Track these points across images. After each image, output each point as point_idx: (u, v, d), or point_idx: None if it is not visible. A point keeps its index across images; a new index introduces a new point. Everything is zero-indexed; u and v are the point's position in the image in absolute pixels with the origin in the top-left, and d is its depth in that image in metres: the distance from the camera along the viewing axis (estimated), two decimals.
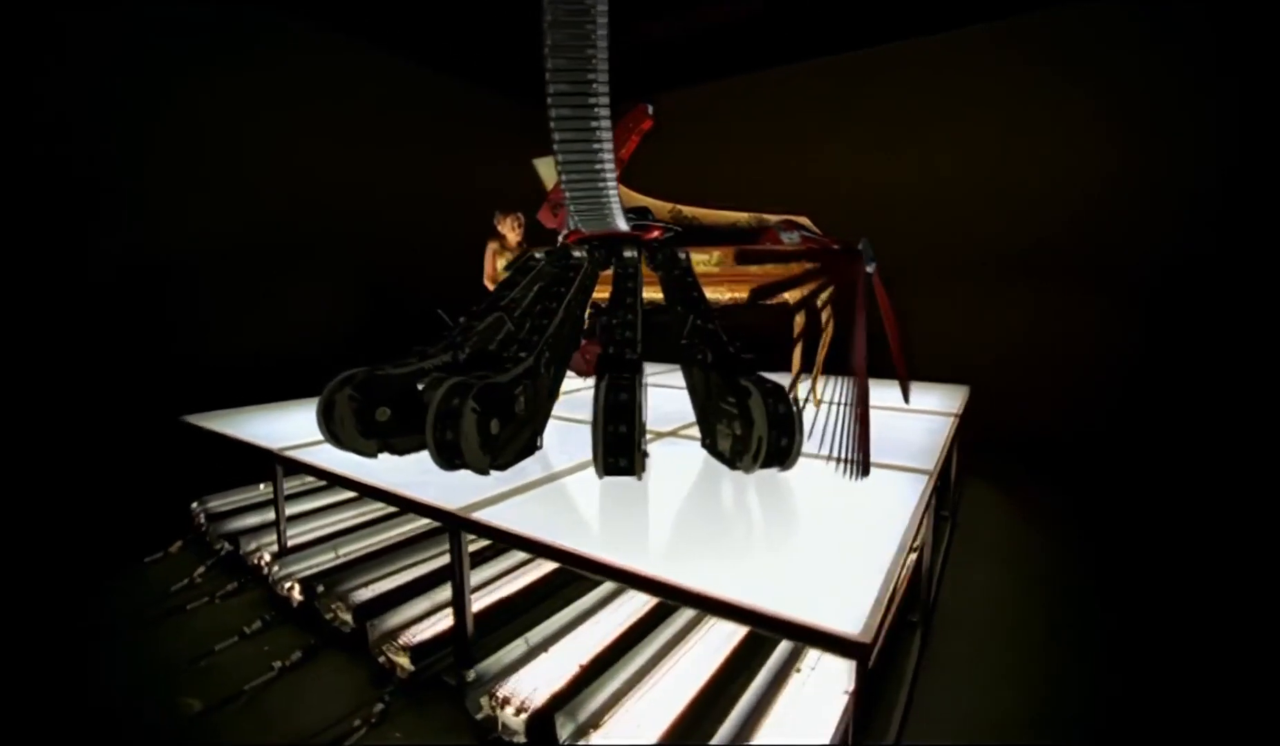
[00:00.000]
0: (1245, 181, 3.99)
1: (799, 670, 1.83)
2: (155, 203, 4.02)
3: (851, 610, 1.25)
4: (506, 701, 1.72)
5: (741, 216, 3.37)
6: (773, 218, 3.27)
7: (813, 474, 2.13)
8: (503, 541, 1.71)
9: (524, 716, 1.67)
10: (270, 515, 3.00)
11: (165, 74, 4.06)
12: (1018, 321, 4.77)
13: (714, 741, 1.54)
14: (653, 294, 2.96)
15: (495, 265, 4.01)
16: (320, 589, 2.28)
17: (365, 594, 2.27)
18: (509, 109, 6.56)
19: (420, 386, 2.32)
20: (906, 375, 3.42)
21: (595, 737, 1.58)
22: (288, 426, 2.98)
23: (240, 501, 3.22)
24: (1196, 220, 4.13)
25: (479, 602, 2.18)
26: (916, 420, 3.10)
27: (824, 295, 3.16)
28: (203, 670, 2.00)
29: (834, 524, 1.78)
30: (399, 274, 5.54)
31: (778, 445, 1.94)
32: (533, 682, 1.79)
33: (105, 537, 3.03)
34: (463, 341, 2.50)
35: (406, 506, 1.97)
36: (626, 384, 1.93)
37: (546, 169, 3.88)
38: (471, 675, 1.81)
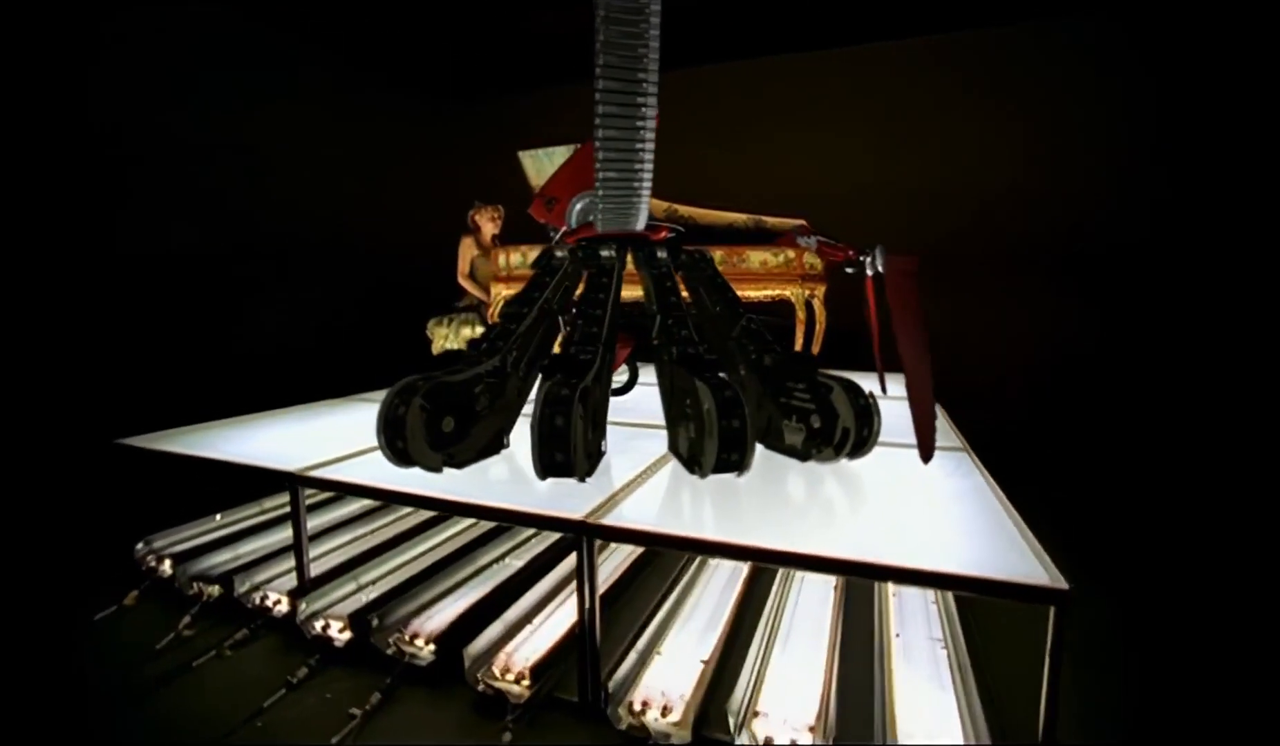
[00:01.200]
0: (1169, 181, 4.40)
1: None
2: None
3: (1024, 565, 1.42)
4: (646, 706, 1.67)
5: (739, 217, 3.51)
6: (770, 219, 3.46)
7: (866, 461, 2.28)
8: (643, 543, 1.67)
9: (672, 718, 1.64)
10: (249, 547, 2.61)
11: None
12: (973, 316, 4.98)
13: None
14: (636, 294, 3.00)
15: (469, 260, 3.77)
16: (375, 622, 2.02)
17: (433, 620, 2.05)
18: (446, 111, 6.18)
19: (476, 392, 2.18)
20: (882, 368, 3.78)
21: (760, 726, 1.60)
22: (255, 446, 2.61)
23: (201, 537, 2.73)
24: (1128, 218, 4.52)
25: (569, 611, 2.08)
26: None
27: (819, 292, 3.41)
28: (263, 730, 1.69)
29: (923, 500, 1.96)
30: (339, 285, 4.99)
31: (860, 435, 2.10)
32: (661, 684, 1.76)
33: (30, 592, 2.41)
34: (506, 345, 2.37)
35: (520, 521, 1.83)
36: (570, 382, 1.91)
37: (534, 163, 3.75)
38: (612, 687, 1.73)
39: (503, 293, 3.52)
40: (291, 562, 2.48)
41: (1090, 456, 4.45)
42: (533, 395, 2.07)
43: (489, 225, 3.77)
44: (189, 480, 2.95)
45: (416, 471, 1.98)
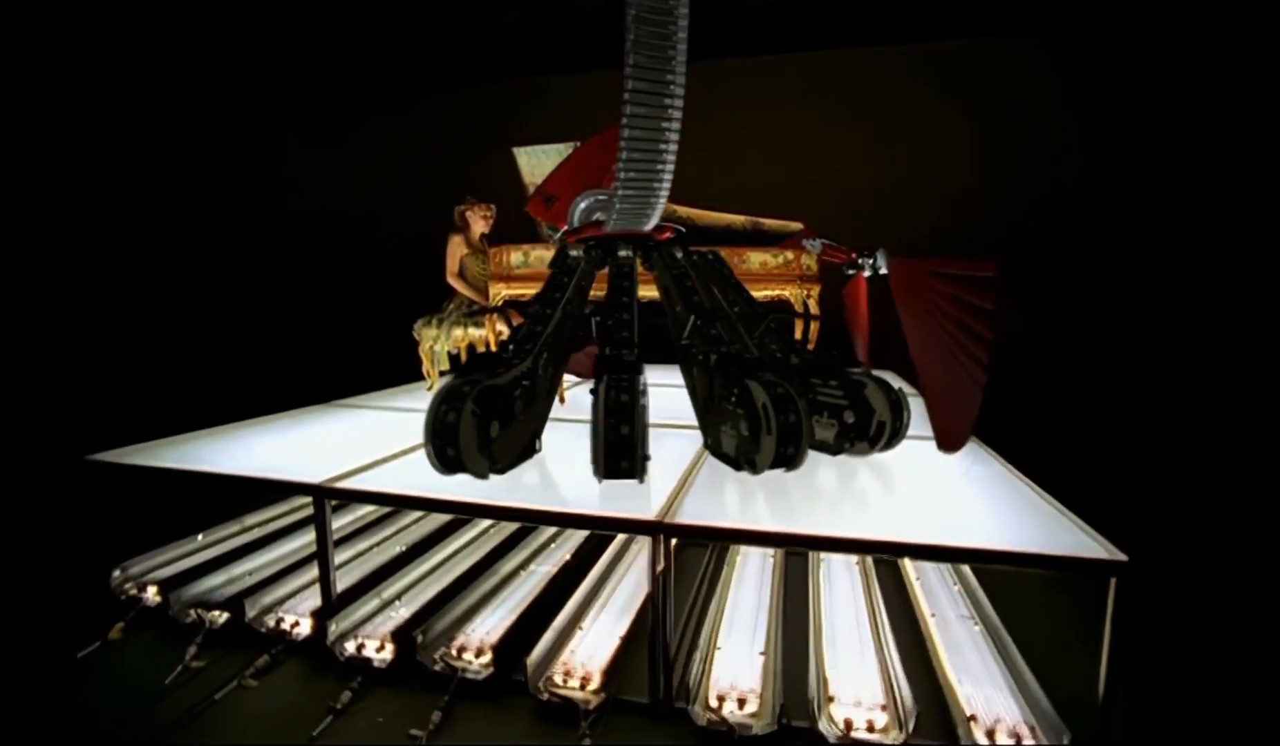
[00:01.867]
0: (1111, 184, 4.86)
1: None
2: None
3: (1076, 540, 1.56)
4: (723, 700, 1.69)
5: (737, 219, 3.59)
6: (768, 221, 3.56)
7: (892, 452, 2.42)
8: (718, 539, 1.69)
9: (750, 709, 1.67)
10: (245, 567, 2.42)
11: None
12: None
13: None
14: (649, 293, 3.01)
15: (459, 259, 3.64)
16: (419, 638, 1.92)
17: (481, 632, 1.98)
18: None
19: (515, 395, 2.13)
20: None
21: (837, 710, 1.66)
22: (250, 459, 2.44)
23: (185, 559, 2.49)
24: (1074, 220, 4.93)
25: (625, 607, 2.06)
26: None
27: (814, 293, 3.55)
28: None
29: (959, 486, 2.09)
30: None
31: (894, 427, 2.22)
32: (730, 678, 1.78)
33: None
34: (535, 347, 2.33)
35: (593, 525, 1.80)
36: (626, 385, 1.96)
37: (528, 160, 3.68)
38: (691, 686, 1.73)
39: (503, 292, 3.42)
40: (300, 581, 2.33)
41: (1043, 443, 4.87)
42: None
43: (480, 223, 3.64)
44: (156, 499, 2.70)
45: (437, 477, 1.92)
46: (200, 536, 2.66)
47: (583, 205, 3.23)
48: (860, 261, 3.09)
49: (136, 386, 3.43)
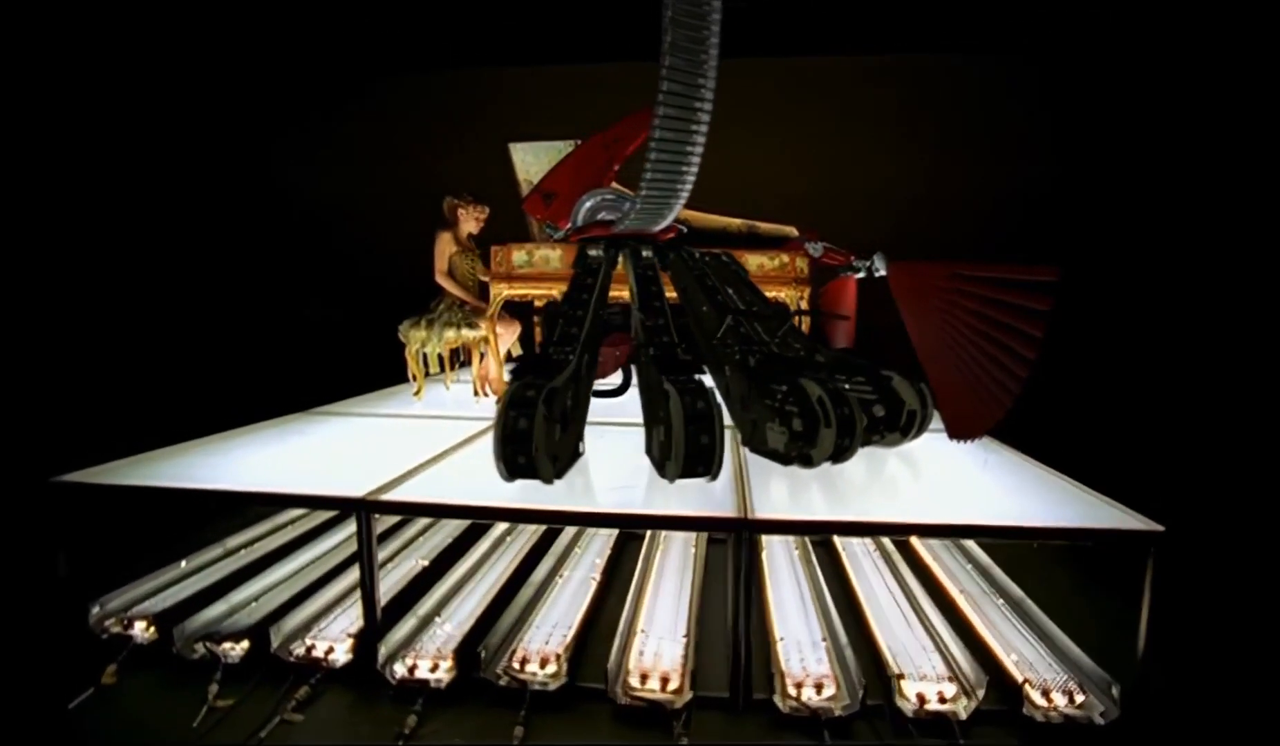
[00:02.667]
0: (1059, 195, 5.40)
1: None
2: None
3: (1108, 516, 1.75)
4: (800, 688, 1.75)
5: (733, 222, 3.67)
6: (763, 225, 3.68)
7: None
8: (807, 533, 1.74)
9: (829, 692, 1.73)
10: (247, 593, 2.21)
11: None
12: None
13: None
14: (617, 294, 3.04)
15: (447, 257, 3.49)
16: (483, 653, 1.83)
17: (540, 641, 1.91)
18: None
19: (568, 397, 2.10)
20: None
21: (908, 686, 1.75)
22: (253, 471, 2.23)
23: (172, 589, 2.23)
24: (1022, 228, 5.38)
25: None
26: None
27: (806, 294, 3.70)
28: None
29: (983, 472, 2.27)
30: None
31: (924, 415, 2.37)
32: (799, 667, 1.83)
33: None
34: (576, 348, 2.30)
35: (679, 526, 1.79)
36: (699, 389, 1.97)
37: (526, 156, 3.59)
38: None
39: (504, 292, 3.30)
40: (320, 603, 2.16)
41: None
42: None
43: (471, 222, 3.50)
44: (120, 525, 2.41)
45: (484, 484, 1.88)
46: (184, 562, 2.38)
47: (589, 204, 3.20)
48: (857, 264, 3.26)
49: (89, 399, 3.01)
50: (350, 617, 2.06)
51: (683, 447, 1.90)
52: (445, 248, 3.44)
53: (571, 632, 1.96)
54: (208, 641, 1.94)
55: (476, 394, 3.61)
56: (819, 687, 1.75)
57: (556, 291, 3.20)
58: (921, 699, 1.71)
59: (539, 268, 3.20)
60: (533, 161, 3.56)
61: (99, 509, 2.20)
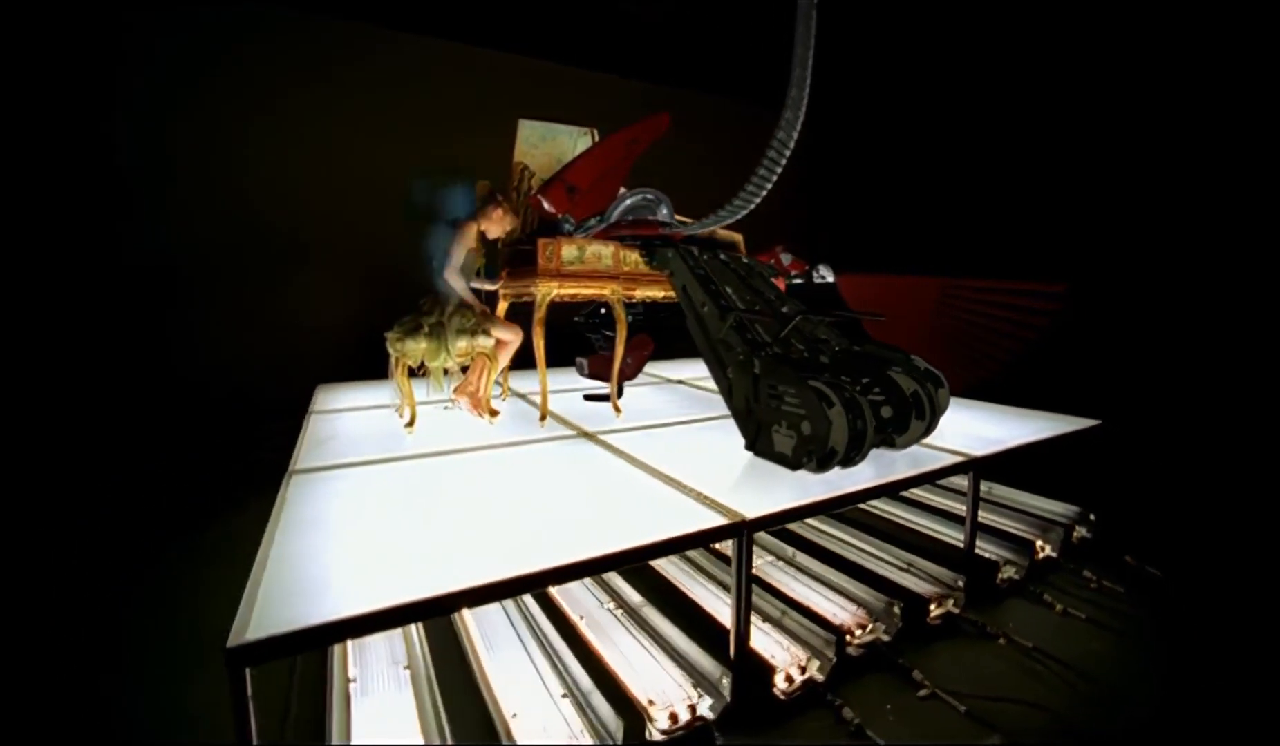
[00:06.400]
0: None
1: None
2: None
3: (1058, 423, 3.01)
4: None
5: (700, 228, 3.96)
6: (722, 232, 4.07)
7: None
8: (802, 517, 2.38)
9: None
10: None
11: None
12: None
13: None
14: (653, 293, 3.23)
15: (464, 253, 2.84)
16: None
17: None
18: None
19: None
20: None
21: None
22: None
23: None
24: None
25: None
26: None
27: None
28: None
29: None
30: None
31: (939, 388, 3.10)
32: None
33: None
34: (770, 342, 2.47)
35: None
36: (834, 383, 2.09)
37: (534, 137, 3.17)
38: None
39: (554, 291, 2.83)
40: None
41: None
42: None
43: (498, 225, 2.86)
44: None
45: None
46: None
47: (629, 202, 3.12)
48: (811, 271, 4.04)
49: None
50: None
51: (845, 435, 2.00)
52: (468, 241, 2.77)
53: None
54: None
55: (485, 413, 3.01)
56: None
57: (609, 290, 3.01)
58: (674, 718, 1.65)
59: (590, 265, 2.93)
60: (537, 143, 3.13)
61: None
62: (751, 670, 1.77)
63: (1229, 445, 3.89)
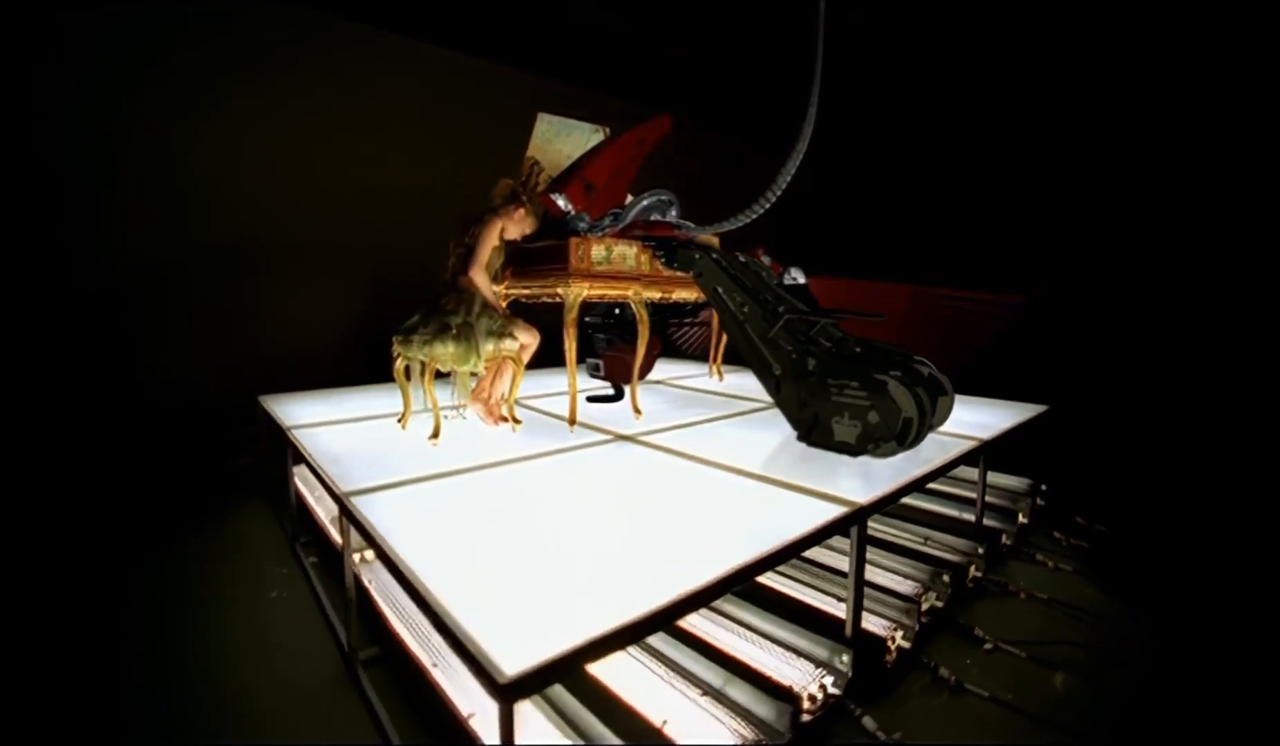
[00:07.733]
0: None
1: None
2: None
3: (1014, 411, 3.54)
4: None
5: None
6: (700, 235, 4.18)
7: None
8: (904, 496, 2.76)
9: None
10: None
11: None
12: None
13: None
14: (650, 293, 3.29)
15: (490, 252, 2.68)
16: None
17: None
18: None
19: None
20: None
21: None
22: None
23: None
24: None
25: None
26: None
27: None
28: None
29: None
30: None
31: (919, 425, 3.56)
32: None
33: None
34: (806, 336, 2.64)
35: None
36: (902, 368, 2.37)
37: (550, 132, 3.06)
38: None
39: (585, 292, 2.73)
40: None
41: None
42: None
43: (518, 226, 2.70)
44: None
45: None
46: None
47: (646, 202, 3.15)
48: (782, 273, 4.30)
49: None
50: None
51: (916, 416, 2.25)
52: (494, 239, 2.62)
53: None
54: None
55: (510, 421, 2.85)
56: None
57: (631, 292, 3.00)
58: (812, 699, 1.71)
59: (616, 265, 2.90)
60: (552, 138, 3.02)
61: None
62: (867, 645, 1.91)
63: (1154, 422, 4.53)
